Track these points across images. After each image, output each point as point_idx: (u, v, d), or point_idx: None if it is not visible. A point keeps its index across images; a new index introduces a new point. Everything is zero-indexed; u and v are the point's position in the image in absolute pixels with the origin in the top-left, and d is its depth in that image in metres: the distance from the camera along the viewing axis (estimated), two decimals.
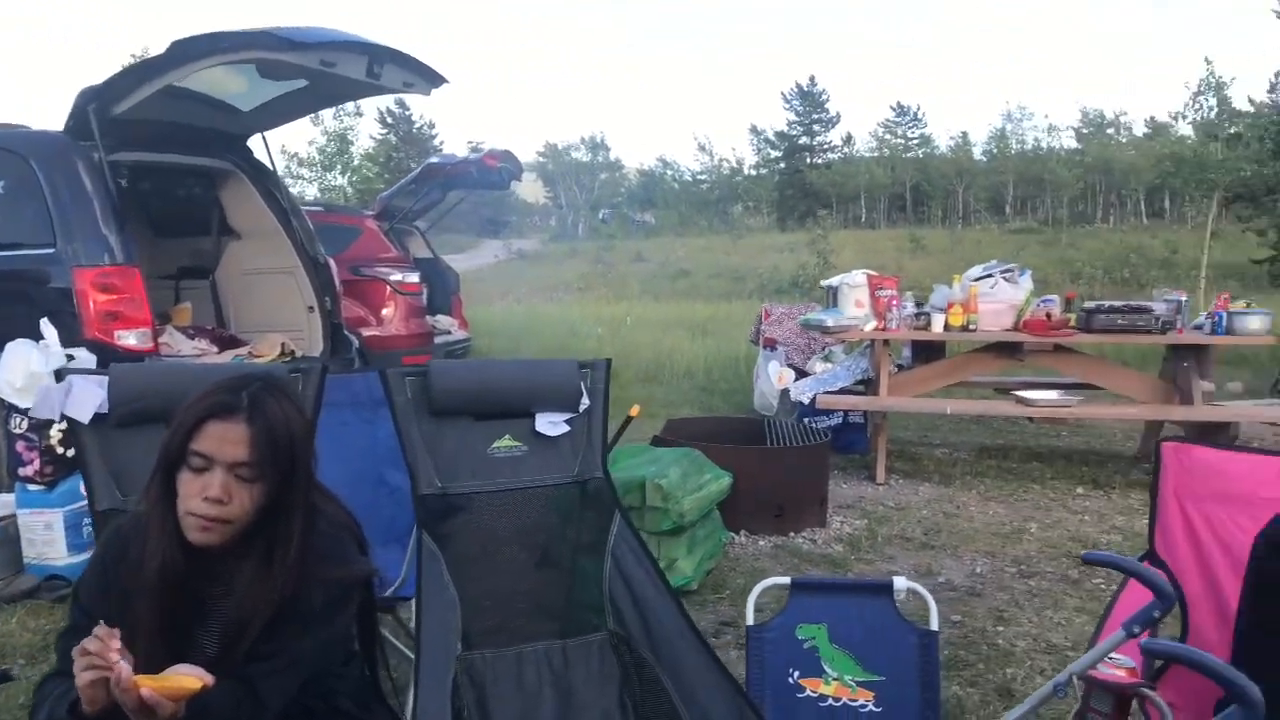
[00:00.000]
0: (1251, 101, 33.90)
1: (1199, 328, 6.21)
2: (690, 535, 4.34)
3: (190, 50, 4.63)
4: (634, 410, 4.45)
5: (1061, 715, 2.77)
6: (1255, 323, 6.03)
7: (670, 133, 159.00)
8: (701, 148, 79.07)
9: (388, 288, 8.38)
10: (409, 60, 5.17)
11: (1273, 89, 34.42)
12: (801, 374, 8.05)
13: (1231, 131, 24.84)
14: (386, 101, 56.63)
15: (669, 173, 76.19)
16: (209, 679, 1.56)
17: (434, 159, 11.34)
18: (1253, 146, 22.76)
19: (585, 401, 2.52)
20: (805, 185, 64.90)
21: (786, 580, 2.57)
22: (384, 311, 8.35)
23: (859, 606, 2.54)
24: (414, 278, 8.74)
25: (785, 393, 7.97)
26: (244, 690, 1.68)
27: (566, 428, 2.49)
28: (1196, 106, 26.40)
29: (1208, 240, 22.85)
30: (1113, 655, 1.94)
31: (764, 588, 2.54)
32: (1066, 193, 55.73)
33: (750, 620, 2.54)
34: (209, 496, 1.67)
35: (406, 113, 63.12)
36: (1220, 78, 26.32)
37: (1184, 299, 6.33)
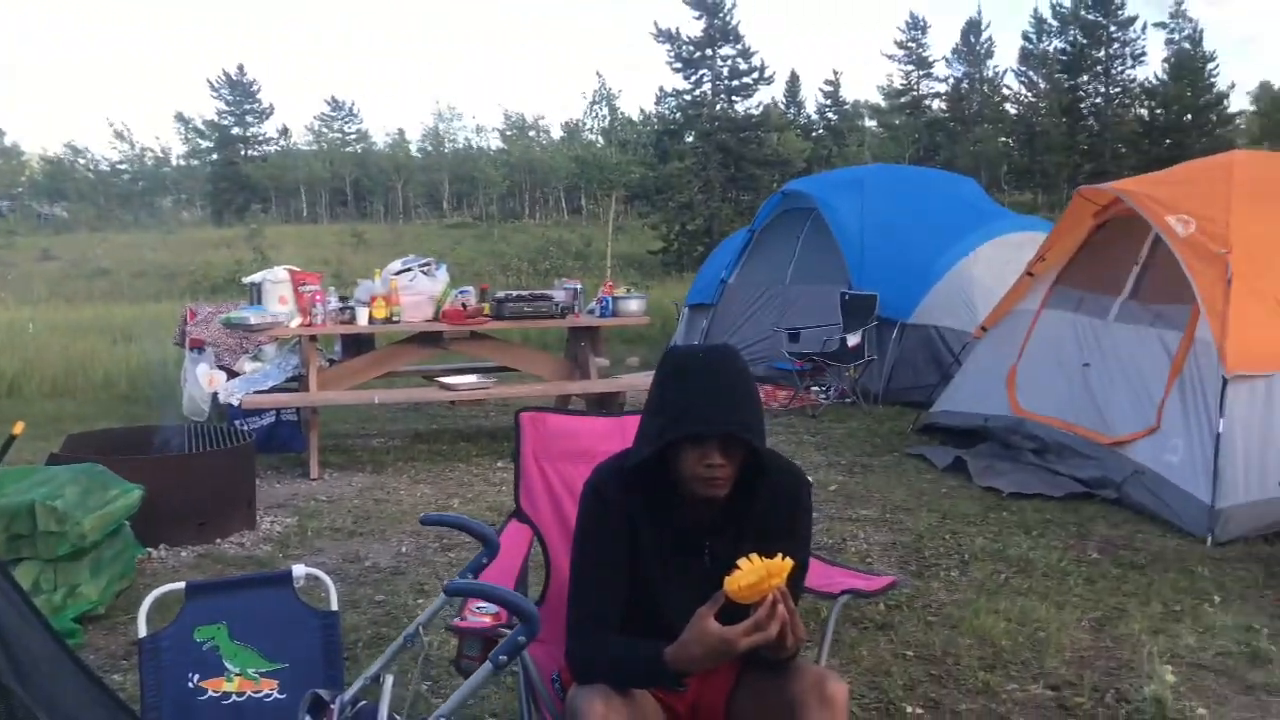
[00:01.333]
0: (643, 111, 38.93)
1: (591, 312, 7.05)
2: (95, 557, 4.02)
3: None
4: (17, 428, 4.02)
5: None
6: (634, 305, 7.00)
7: (80, 117, 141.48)
8: (119, 135, 71.51)
9: None
10: None
11: (658, 101, 39.71)
12: (233, 374, 7.76)
13: (624, 139, 28.42)
14: None
15: (81, 161, 68.12)
16: None
17: None
18: (640, 152, 26.26)
19: None
20: (241, 178, 61.79)
21: (180, 585, 2.52)
22: None
23: (259, 600, 2.57)
24: None
25: (216, 395, 7.63)
26: None
27: None
28: (593, 114, 29.82)
29: (610, 234, 25.84)
30: (481, 605, 2.19)
31: (156, 597, 2.46)
32: (496, 190, 59.31)
33: (143, 632, 2.45)
34: None
35: None
36: (611, 89, 30.02)
37: (579, 287, 7.14)
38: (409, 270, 6.83)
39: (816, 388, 8.94)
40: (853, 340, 8.59)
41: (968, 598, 4.12)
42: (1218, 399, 4.90)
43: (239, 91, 64.32)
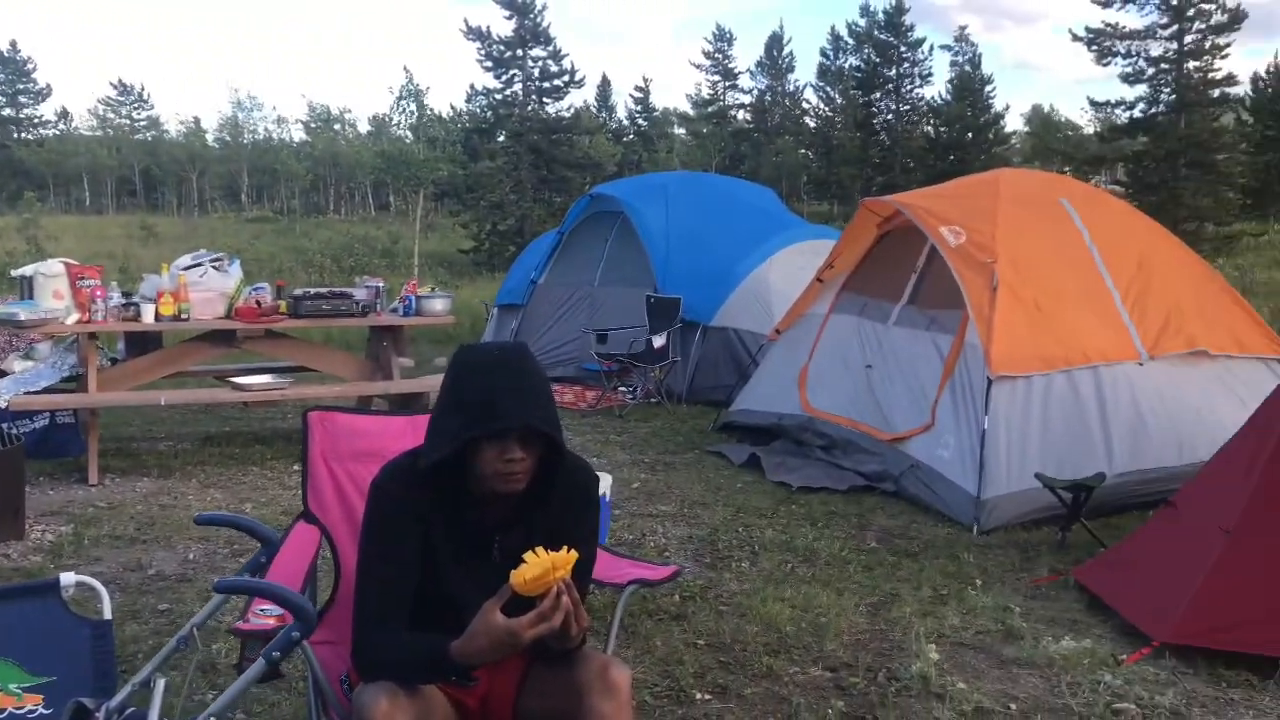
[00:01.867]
0: (453, 108, 38.38)
1: (395, 310, 6.93)
2: None
3: None
4: None
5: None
6: (439, 305, 6.93)
7: None
8: None
9: None
10: None
11: (469, 99, 39.25)
12: (1, 374, 7.21)
13: (431, 135, 28.02)
14: None
15: None
16: None
17: None
18: (448, 150, 25.93)
19: None
20: (14, 163, 57.17)
21: None
22: None
23: (21, 611, 2.42)
24: None
25: None
26: None
27: None
28: (401, 110, 29.32)
29: (418, 231, 25.39)
30: (265, 607, 2.15)
31: None
32: (299, 184, 57.20)
33: None
34: None
35: None
36: (419, 85, 29.60)
37: (381, 285, 7.00)
38: (199, 265, 6.53)
39: (623, 388, 9.10)
40: (658, 342, 8.79)
41: (756, 587, 4.31)
42: (984, 398, 5.31)
43: (11, 69, 59.61)
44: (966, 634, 3.86)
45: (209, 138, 66.76)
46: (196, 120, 69.25)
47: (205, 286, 6.41)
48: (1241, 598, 3.58)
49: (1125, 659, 3.58)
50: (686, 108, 60.53)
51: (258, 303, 6.50)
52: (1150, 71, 31.33)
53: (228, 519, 2.10)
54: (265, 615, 2.13)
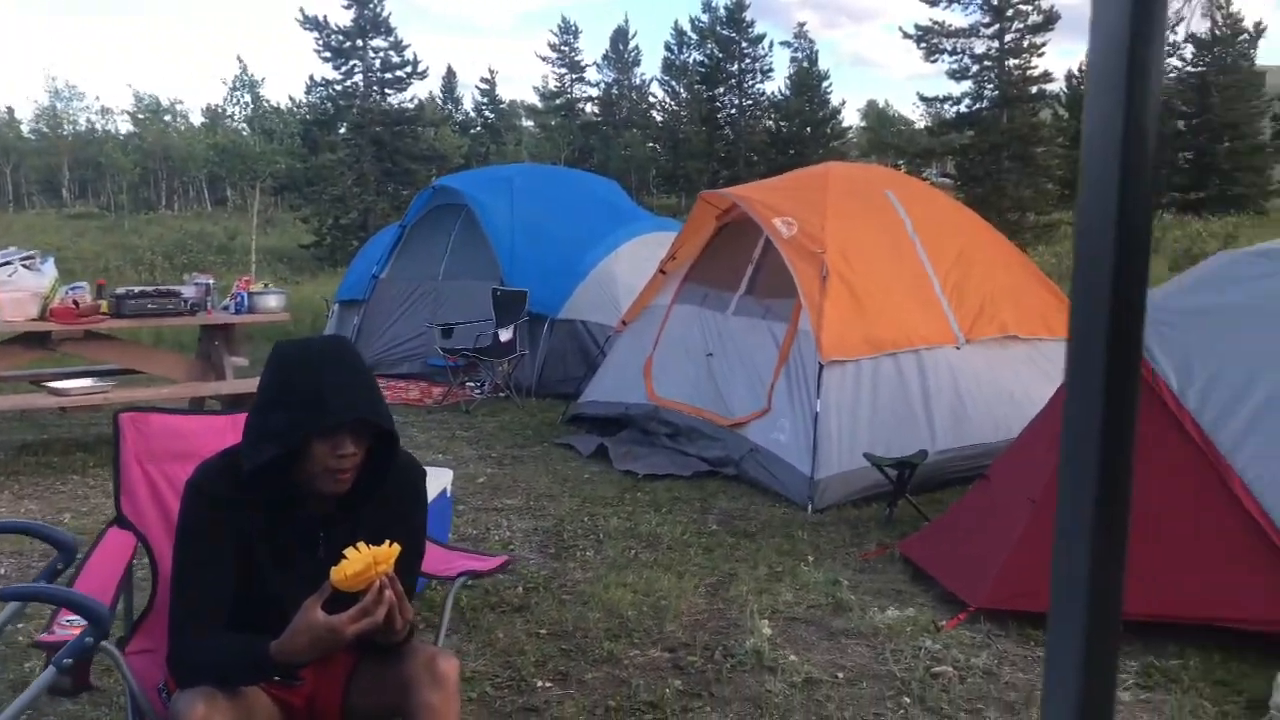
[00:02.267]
0: (292, 100, 37.11)
1: (226, 308, 6.69)
2: None
3: None
4: None
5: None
6: (272, 301, 6.74)
7: None
8: None
9: None
10: None
11: (308, 90, 38.02)
12: None
13: (268, 127, 27.11)
14: None
15: None
16: None
17: None
18: (286, 143, 25.10)
19: None
20: None
21: None
22: None
23: None
24: None
25: None
26: None
27: None
28: (235, 101, 28.28)
29: (254, 226, 24.53)
30: (72, 617, 2.07)
31: None
32: (127, 178, 54.25)
33: None
34: None
35: None
36: (254, 76, 28.62)
37: (211, 282, 6.75)
38: (8, 264, 6.15)
39: (470, 383, 9.02)
40: (505, 335, 8.74)
41: (600, 574, 4.37)
42: (816, 383, 5.51)
43: None
44: (799, 609, 4.01)
45: (24, 129, 62.69)
46: (10, 110, 65.04)
47: (15, 286, 6.04)
48: (1046, 564, 3.83)
49: (944, 625, 3.80)
50: (534, 100, 60.25)
51: (75, 303, 6.17)
52: (974, 68, 33.01)
53: (16, 525, 2.01)
54: (72, 625, 2.06)
